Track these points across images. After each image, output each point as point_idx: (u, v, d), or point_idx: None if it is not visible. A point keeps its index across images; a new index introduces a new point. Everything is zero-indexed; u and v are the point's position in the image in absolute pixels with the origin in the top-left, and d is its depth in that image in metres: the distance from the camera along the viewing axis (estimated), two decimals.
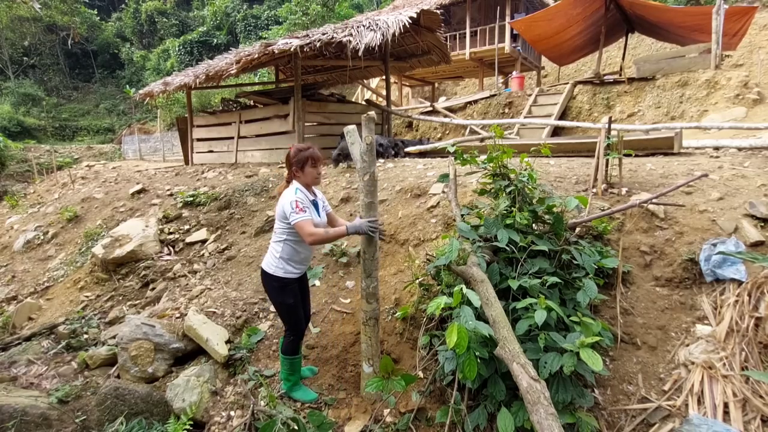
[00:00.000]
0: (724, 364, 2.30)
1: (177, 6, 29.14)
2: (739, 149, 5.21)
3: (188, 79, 8.61)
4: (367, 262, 2.71)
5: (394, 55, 9.95)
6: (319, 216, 2.68)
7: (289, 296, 2.70)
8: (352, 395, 2.88)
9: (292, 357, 2.80)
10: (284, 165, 2.79)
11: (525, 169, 2.93)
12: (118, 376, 3.38)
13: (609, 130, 3.63)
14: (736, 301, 2.52)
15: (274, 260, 2.67)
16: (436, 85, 17.21)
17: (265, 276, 2.71)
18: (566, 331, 2.31)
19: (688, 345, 2.50)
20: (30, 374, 3.63)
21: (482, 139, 8.37)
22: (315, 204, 2.69)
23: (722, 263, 2.69)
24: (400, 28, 7.10)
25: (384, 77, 10.11)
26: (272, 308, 3.78)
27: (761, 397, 2.16)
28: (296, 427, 2.46)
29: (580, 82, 10.48)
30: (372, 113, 2.59)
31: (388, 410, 2.61)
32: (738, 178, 3.55)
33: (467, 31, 12.51)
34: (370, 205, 2.65)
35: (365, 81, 13.43)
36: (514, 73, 12.45)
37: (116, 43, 29.82)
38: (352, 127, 2.78)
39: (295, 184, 2.64)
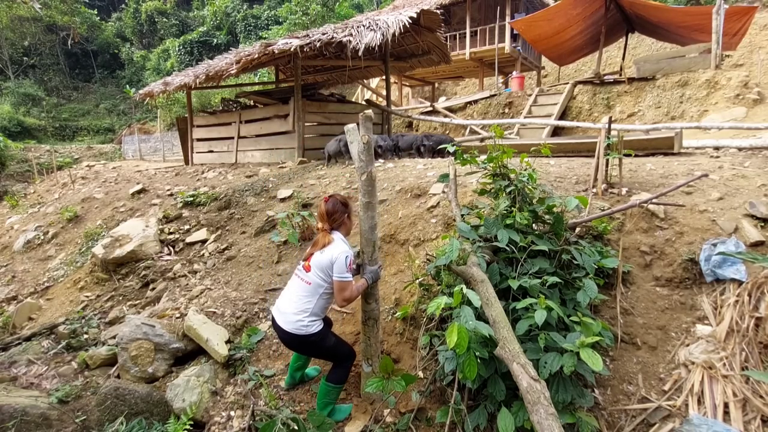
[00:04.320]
0: (725, 364, 2.29)
1: (177, 6, 29.14)
2: (740, 149, 5.21)
3: (188, 79, 8.62)
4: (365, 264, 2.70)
5: (394, 55, 9.95)
6: None
7: (329, 337, 2.60)
8: (352, 395, 2.88)
9: (340, 386, 2.65)
10: (318, 217, 2.66)
11: (525, 169, 2.92)
12: (118, 376, 3.38)
13: (609, 130, 3.62)
14: (737, 301, 2.52)
15: (306, 319, 2.47)
16: (436, 85, 17.21)
17: (300, 339, 2.48)
18: (566, 331, 2.31)
19: (688, 345, 2.50)
20: (30, 374, 3.62)
21: (482, 139, 8.38)
22: None
23: (722, 263, 2.68)
24: (400, 28, 7.10)
25: (384, 77, 10.11)
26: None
27: (761, 397, 2.16)
28: (296, 427, 2.45)
29: (580, 82, 10.49)
30: (369, 112, 2.57)
31: (388, 410, 2.61)
32: (738, 178, 3.55)
33: (467, 31, 12.51)
34: (368, 206, 2.63)
35: (365, 81, 13.43)
36: (514, 73, 12.45)
37: (116, 43, 29.82)
38: (352, 125, 2.76)
39: (339, 235, 2.56)
